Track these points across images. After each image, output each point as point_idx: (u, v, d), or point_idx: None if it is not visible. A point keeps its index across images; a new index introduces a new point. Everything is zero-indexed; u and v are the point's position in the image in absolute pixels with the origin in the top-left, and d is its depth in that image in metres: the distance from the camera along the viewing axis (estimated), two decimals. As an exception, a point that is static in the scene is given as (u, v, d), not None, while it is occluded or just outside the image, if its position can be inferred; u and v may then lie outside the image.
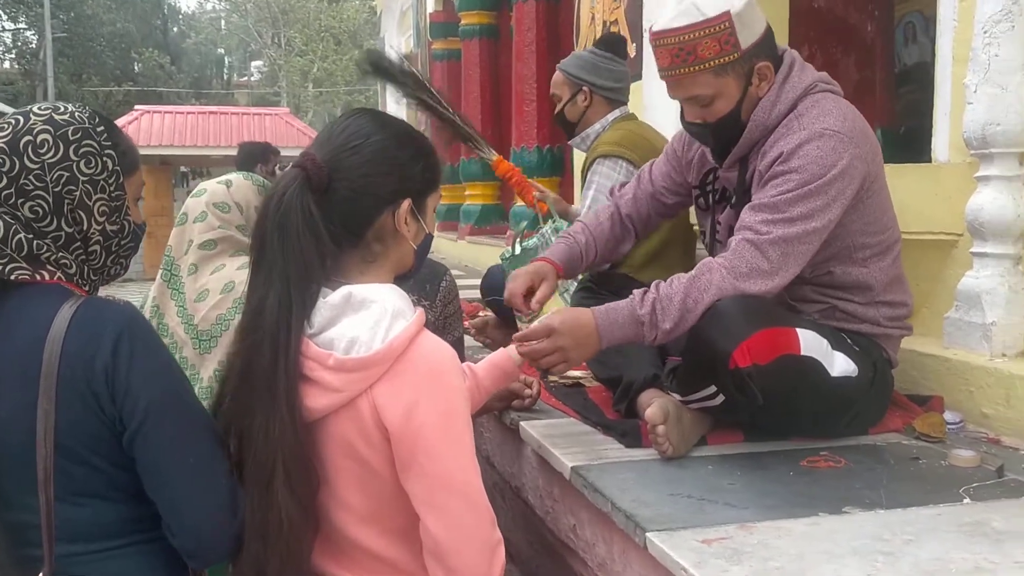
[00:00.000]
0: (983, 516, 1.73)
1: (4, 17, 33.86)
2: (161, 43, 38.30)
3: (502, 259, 3.33)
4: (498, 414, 2.65)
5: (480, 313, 3.84)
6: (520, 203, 6.33)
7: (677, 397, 2.15)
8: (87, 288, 1.49)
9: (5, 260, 1.38)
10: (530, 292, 2.37)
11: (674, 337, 2.08)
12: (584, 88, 3.33)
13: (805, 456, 2.08)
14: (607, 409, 2.46)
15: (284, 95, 35.22)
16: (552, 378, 2.86)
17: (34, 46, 33.59)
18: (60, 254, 1.43)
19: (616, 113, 3.38)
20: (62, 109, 1.47)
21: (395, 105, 12.15)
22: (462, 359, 2.11)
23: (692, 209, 2.68)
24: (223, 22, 42.97)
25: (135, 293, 8.88)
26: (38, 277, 1.41)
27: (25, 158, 1.40)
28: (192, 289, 2.01)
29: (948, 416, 2.34)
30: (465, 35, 8.54)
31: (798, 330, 2.04)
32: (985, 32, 2.36)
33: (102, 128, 1.49)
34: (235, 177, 2.17)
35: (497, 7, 8.43)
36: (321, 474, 1.43)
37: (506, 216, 7.70)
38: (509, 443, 2.66)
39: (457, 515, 1.40)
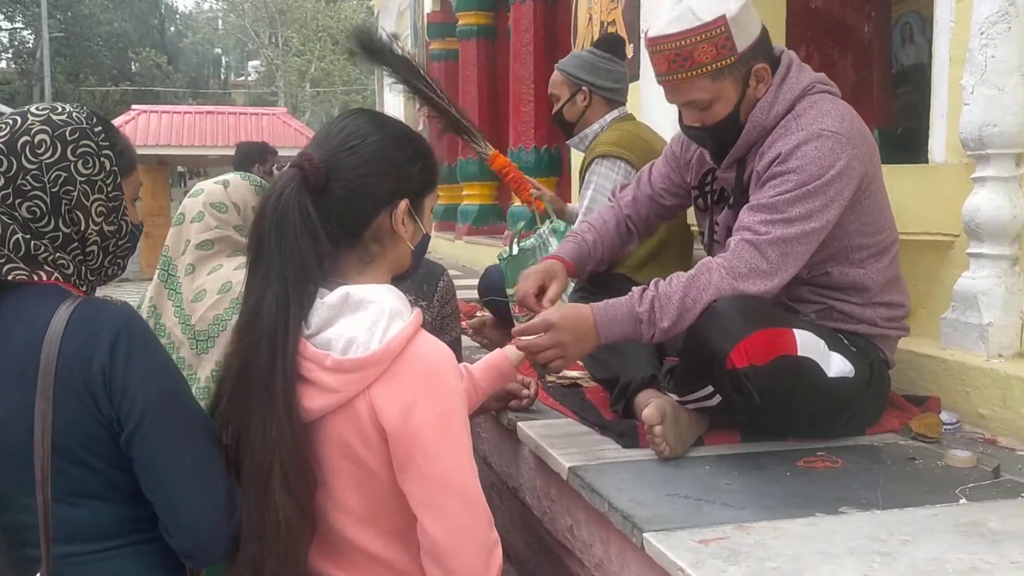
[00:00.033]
0: (979, 516, 1.73)
1: (1, 17, 33.83)
2: (158, 43, 38.27)
3: (499, 259, 3.33)
4: (495, 414, 2.65)
5: (478, 313, 3.84)
6: (518, 203, 6.34)
7: (674, 397, 2.15)
8: (84, 288, 1.49)
9: (2, 260, 1.38)
10: (541, 291, 2.36)
11: (672, 336, 2.09)
12: (583, 88, 3.33)
13: (802, 456, 2.08)
14: (604, 409, 2.46)
15: (281, 95, 35.20)
16: (550, 378, 2.86)
17: (31, 45, 33.55)
18: (58, 254, 1.43)
19: (615, 113, 3.38)
20: (60, 109, 1.47)
21: (393, 106, 12.17)
22: (459, 359, 2.11)
23: (690, 210, 2.68)
24: (220, 22, 42.93)
25: (132, 293, 8.86)
26: (35, 277, 1.41)
27: (23, 158, 1.40)
28: (189, 289, 2.01)
29: (945, 416, 2.34)
30: (463, 35, 8.54)
31: (795, 331, 2.04)
32: (982, 33, 2.37)
33: (100, 128, 1.49)
34: (232, 177, 2.17)
35: (495, 7, 8.44)
36: (318, 475, 1.43)
37: (504, 216, 7.70)
38: (506, 443, 2.66)
39: (454, 515, 1.40)
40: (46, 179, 1.41)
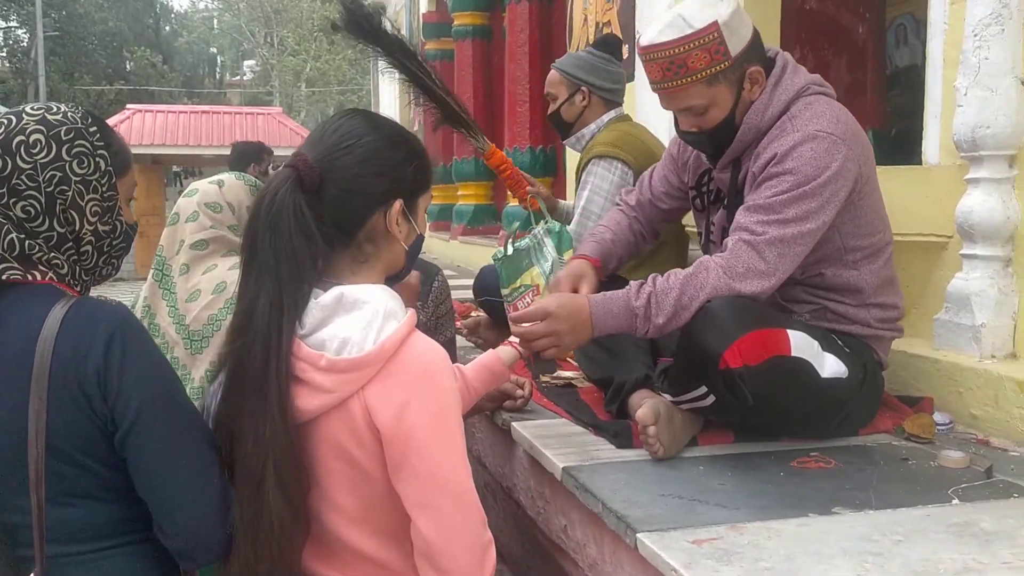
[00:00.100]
0: (972, 517, 1.74)
1: (-4, 16, 33.78)
2: (153, 42, 38.23)
3: (494, 259, 3.33)
4: (490, 414, 2.65)
5: (472, 313, 3.84)
6: (513, 203, 6.34)
7: (668, 398, 2.15)
8: (79, 288, 1.48)
9: (-4, 260, 1.38)
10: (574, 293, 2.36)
11: (666, 332, 2.09)
12: (583, 88, 3.34)
13: (795, 457, 2.09)
14: (599, 410, 2.46)
15: (277, 94, 35.13)
16: (544, 379, 2.86)
17: (25, 44, 33.49)
18: (52, 254, 1.43)
19: (612, 114, 3.39)
20: (55, 109, 1.47)
21: (388, 106, 12.17)
22: (454, 359, 2.11)
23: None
24: (215, 21, 42.87)
25: (126, 292, 8.86)
26: (29, 277, 1.41)
27: (17, 158, 1.40)
28: (183, 289, 2.01)
29: (938, 417, 2.35)
30: (458, 36, 8.54)
31: (789, 331, 2.05)
32: (975, 35, 2.38)
33: (95, 128, 1.49)
34: (227, 177, 2.17)
35: (490, 8, 8.44)
36: (312, 475, 1.43)
37: (499, 216, 7.71)
38: (501, 444, 2.66)
39: (448, 515, 1.40)
40: (41, 179, 1.41)
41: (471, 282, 3.84)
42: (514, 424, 2.45)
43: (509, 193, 4.05)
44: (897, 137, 4.94)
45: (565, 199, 3.93)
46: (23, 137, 1.41)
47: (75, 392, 1.35)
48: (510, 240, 3.24)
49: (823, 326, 2.23)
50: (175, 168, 23.73)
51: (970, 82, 2.39)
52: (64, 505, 1.39)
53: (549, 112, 3.46)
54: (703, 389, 2.03)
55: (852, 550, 1.58)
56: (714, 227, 2.44)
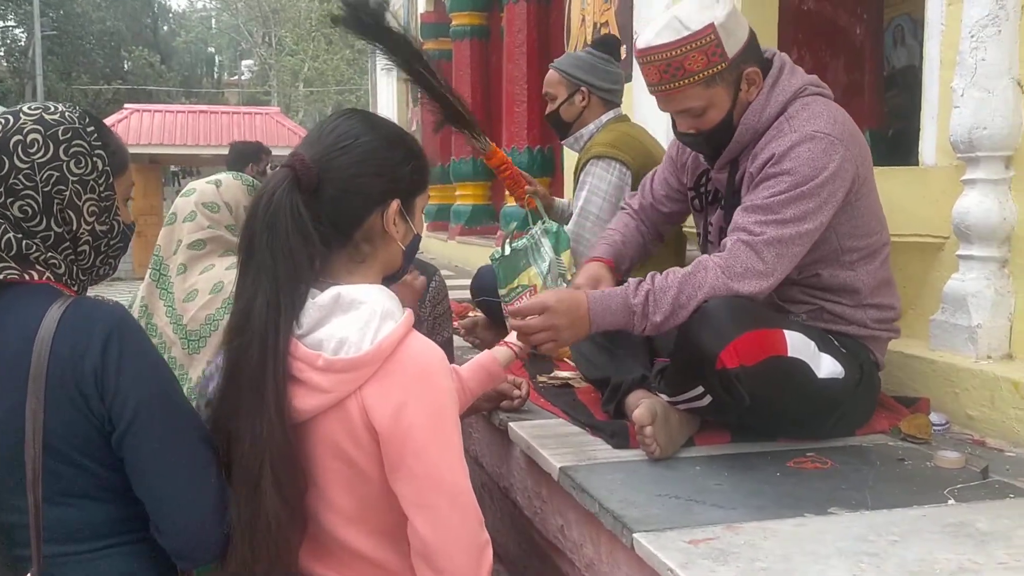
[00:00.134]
0: (968, 517, 1.74)
1: (-7, 15, 33.74)
2: (151, 41, 38.19)
3: (492, 260, 3.33)
4: (487, 414, 2.65)
5: (470, 313, 3.84)
6: (511, 203, 6.34)
7: (665, 398, 2.16)
8: (76, 288, 1.48)
9: (-6, 260, 1.38)
10: None
11: (664, 330, 2.10)
12: (582, 88, 3.34)
13: (792, 457, 2.09)
14: (596, 410, 2.47)
15: (274, 94, 35.11)
16: (541, 379, 2.87)
17: (23, 44, 33.45)
18: (49, 254, 1.43)
19: (610, 114, 3.39)
20: (52, 109, 1.47)
21: (386, 106, 12.16)
22: (451, 360, 2.11)
23: (684, 211, 2.70)
24: (213, 21, 42.80)
25: (124, 292, 8.85)
26: (27, 277, 1.41)
27: (15, 157, 1.40)
28: (181, 289, 2.01)
29: (934, 418, 2.35)
30: (456, 36, 8.54)
31: (785, 332, 2.05)
32: (972, 36, 2.38)
33: (92, 128, 1.49)
34: (224, 177, 2.17)
35: (488, 8, 8.44)
36: (309, 475, 1.43)
37: (496, 217, 7.71)
38: (498, 444, 2.66)
39: (445, 515, 1.40)
40: (38, 178, 1.41)
41: (469, 282, 3.84)
42: (511, 424, 2.45)
43: (507, 193, 4.05)
44: (894, 138, 4.94)
45: (563, 198, 3.93)
46: (20, 137, 1.41)
47: (72, 392, 1.35)
48: (507, 240, 3.24)
49: (820, 326, 2.24)
50: (173, 168, 23.70)
51: (967, 83, 2.39)
52: (61, 505, 1.39)
53: (547, 112, 3.46)
54: (700, 389, 2.03)
55: (848, 550, 1.58)
56: (712, 227, 2.44)
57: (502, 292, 3.23)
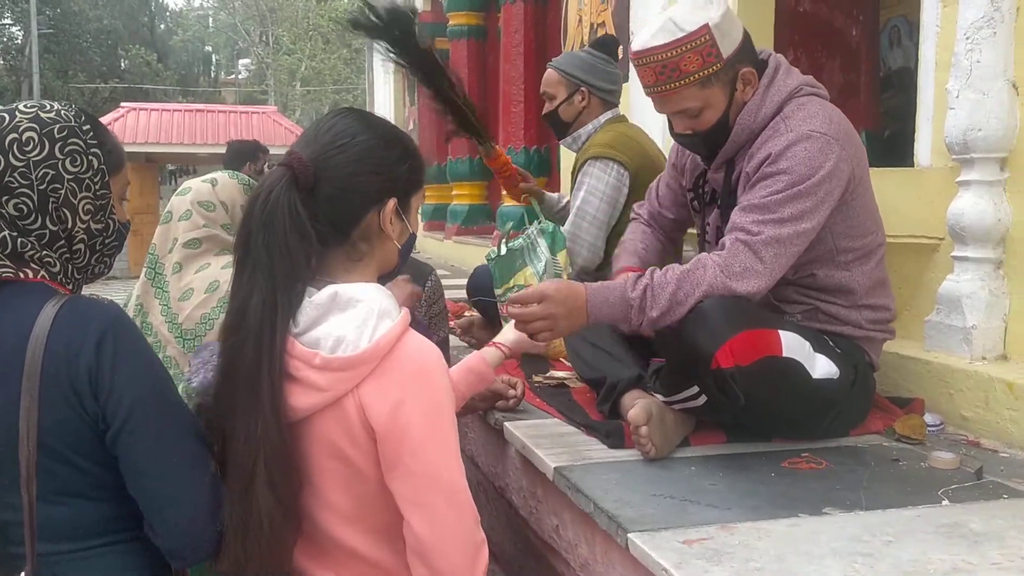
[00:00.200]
0: (962, 518, 1.75)
1: (-10, 13, 33.66)
2: (148, 40, 38.09)
3: (488, 259, 3.34)
4: (482, 414, 2.65)
5: (466, 313, 3.85)
6: (508, 203, 6.35)
7: (660, 398, 2.16)
8: (71, 287, 1.48)
9: (-12, 258, 1.38)
10: None
11: (660, 326, 2.10)
12: (582, 88, 3.34)
13: (787, 457, 2.10)
14: (591, 410, 2.47)
15: (272, 93, 35.07)
16: (536, 379, 2.87)
17: (20, 42, 33.35)
18: (44, 252, 1.43)
19: (608, 114, 3.40)
20: (48, 107, 1.47)
21: (383, 105, 12.15)
22: (447, 359, 2.11)
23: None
24: (211, 19, 42.76)
25: (119, 291, 8.83)
26: (21, 275, 1.41)
27: (10, 155, 1.40)
28: (176, 288, 2.01)
29: (928, 418, 2.36)
30: (453, 35, 8.54)
31: (780, 332, 2.06)
32: (967, 38, 2.39)
33: (88, 127, 1.49)
34: (220, 176, 2.17)
35: (485, 8, 8.44)
36: (304, 474, 1.43)
37: (493, 216, 7.71)
38: (493, 443, 2.66)
39: (442, 514, 1.40)
40: (33, 176, 1.41)
41: (465, 282, 3.85)
42: (506, 424, 2.45)
43: (504, 193, 4.06)
44: (890, 139, 4.95)
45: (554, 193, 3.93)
46: (16, 135, 1.41)
47: (66, 390, 1.35)
48: (504, 240, 3.25)
49: (815, 327, 2.24)
50: (170, 167, 23.67)
51: (962, 85, 2.40)
52: (55, 503, 1.39)
53: (545, 111, 3.46)
54: (695, 389, 2.03)
55: (842, 550, 1.58)
56: (709, 227, 2.45)
57: (498, 292, 3.24)
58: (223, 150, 7.25)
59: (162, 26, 42.71)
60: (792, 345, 2.05)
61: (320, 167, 1.45)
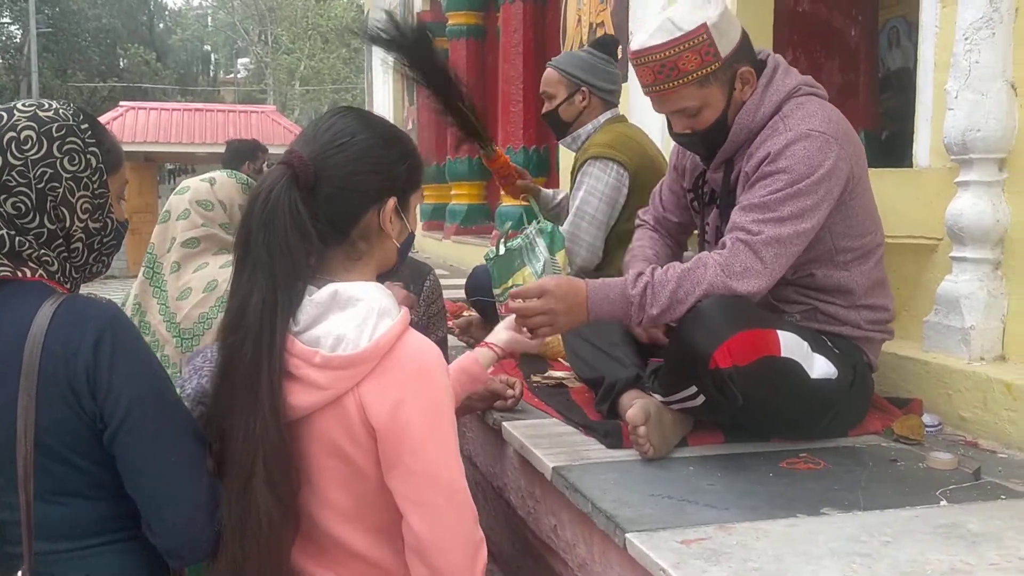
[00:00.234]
0: (960, 518, 1.75)
1: (-12, 12, 33.63)
2: (147, 39, 38.04)
3: (487, 259, 3.34)
4: (481, 414, 2.65)
5: (464, 313, 3.84)
6: (506, 203, 6.34)
7: (658, 398, 2.16)
8: (68, 286, 1.48)
9: (-14, 256, 1.38)
10: None
11: (660, 324, 2.10)
12: (583, 88, 3.34)
13: (785, 458, 2.10)
14: (589, 410, 2.47)
15: (271, 93, 35.08)
16: (535, 378, 2.87)
17: (18, 41, 33.32)
18: (42, 251, 1.43)
19: (608, 114, 3.39)
20: (46, 106, 1.47)
21: (382, 104, 12.15)
22: (446, 359, 2.10)
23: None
24: (209, 19, 42.77)
25: (117, 290, 8.83)
26: (19, 274, 1.41)
27: (8, 154, 1.40)
28: (174, 287, 2.00)
29: (927, 419, 2.36)
30: (452, 35, 8.53)
31: (779, 332, 2.05)
32: (966, 39, 2.39)
33: (86, 126, 1.48)
34: (219, 175, 2.16)
35: (484, 8, 8.43)
36: (303, 473, 1.43)
37: (492, 216, 7.70)
38: (491, 443, 2.66)
39: (441, 512, 1.40)
40: (31, 175, 1.41)
41: (463, 282, 3.85)
42: (505, 424, 2.45)
43: (503, 193, 4.06)
44: (888, 140, 4.95)
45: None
46: (14, 133, 1.41)
47: (64, 389, 1.35)
48: (502, 240, 3.25)
49: (813, 327, 2.24)
50: (168, 166, 23.66)
51: (961, 85, 2.40)
52: (53, 502, 1.39)
53: (545, 111, 3.45)
54: (693, 389, 2.03)
55: (840, 551, 1.58)
56: (708, 227, 2.45)
57: (497, 292, 3.24)
58: (222, 149, 7.24)
59: (161, 25, 42.67)
60: (790, 345, 2.05)
61: (320, 166, 1.45)
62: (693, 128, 2.26)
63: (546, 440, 2.28)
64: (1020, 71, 2.34)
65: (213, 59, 45.77)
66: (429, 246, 9.10)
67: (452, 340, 3.44)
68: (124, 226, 1.57)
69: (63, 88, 31.00)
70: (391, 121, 1.62)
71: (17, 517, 1.36)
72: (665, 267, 2.11)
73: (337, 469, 1.43)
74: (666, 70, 2.15)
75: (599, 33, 5.02)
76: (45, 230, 1.43)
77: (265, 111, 19.64)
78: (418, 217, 9.75)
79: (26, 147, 1.41)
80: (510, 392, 2.53)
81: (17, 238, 1.40)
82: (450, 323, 3.45)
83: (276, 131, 17.57)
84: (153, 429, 1.39)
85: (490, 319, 3.47)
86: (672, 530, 1.67)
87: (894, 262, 2.52)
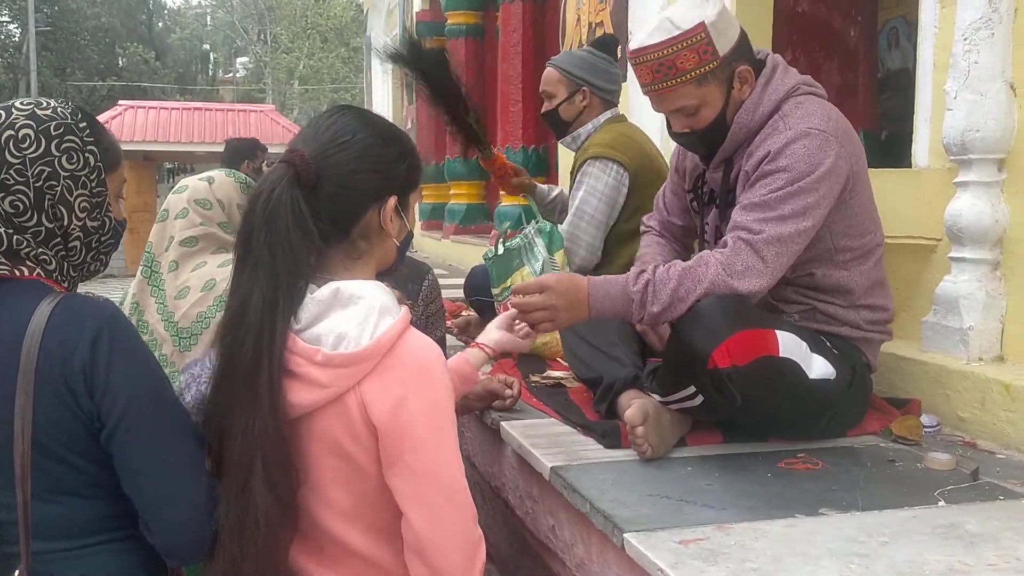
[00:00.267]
0: (958, 519, 1.75)
1: (-13, 11, 33.60)
2: (146, 38, 38.02)
3: (485, 259, 3.34)
4: (479, 414, 2.65)
5: (463, 312, 3.85)
6: (505, 203, 6.34)
7: (657, 398, 2.16)
8: (66, 284, 1.48)
9: (-16, 255, 1.38)
10: None
11: (661, 322, 2.10)
12: (584, 88, 3.33)
13: (783, 458, 2.10)
14: (587, 410, 2.47)
15: (269, 92, 35.07)
16: (533, 378, 2.87)
17: (17, 40, 33.30)
18: (40, 250, 1.43)
19: (608, 114, 3.39)
20: (45, 104, 1.47)
21: (381, 104, 12.15)
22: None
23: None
24: (208, 18, 42.74)
25: (116, 289, 8.82)
26: (17, 273, 1.40)
27: (6, 152, 1.40)
28: (172, 286, 2.00)
29: (925, 419, 2.36)
30: (451, 34, 8.53)
31: (777, 332, 2.05)
32: (965, 39, 2.39)
33: (84, 124, 1.48)
34: (217, 174, 2.16)
35: (483, 7, 8.44)
36: (303, 472, 1.42)
37: (491, 216, 7.70)
38: (490, 443, 2.66)
39: (440, 510, 1.40)
40: (29, 174, 1.41)
41: (462, 281, 3.85)
42: (503, 424, 2.45)
43: (502, 192, 4.06)
44: (888, 140, 4.95)
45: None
46: (12, 132, 1.41)
47: (61, 388, 1.35)
48: (501, 240, 3.25)
49: (812, 327, 2.24)
50: (167, 165, 23.65)
51: (960, 86, 2.40)
52: (50, 502, 1.38)
53: (545, 110, 3.45)
54: (692, 389, 2.03)
55: (838, 551, 1.58)
56: (708, 227, 2.45)
57: (495, 291, 3.24)
58: (221, 148, 7.24)
59: (160, 24, 42.65)
60: (789, 345, 2.05)
61: (321, 165, 1.45)
62: (692, 127, 2.26)
63: (544, 440, 2.28)
64: (1019, 71, 2.35)
65: (212, 58, 45.74)
66: (428, 246, 9.10)
67: (451, 340, 3.44)
68: (122, 225, 1.57)
69: (62, 87, 30.99)
70: (390, 120, 1.62)
71: (14, 516, 1.36)
72: (667, 265, 2.11)
73: (338, 468, 1.43)
74: (664, 69, 2.15)
75: (598, 33, 5.02)
76: (43, 229, 1.43)
77: (264, 110, 19.63)
78: (416, 216, 9.77)
79: (24, 145, 1.41)
80: (508, 392, 2.53)
81: (15, 236, 1.40)
82: (449, 323, 3.45)
83: (275, 130, 17.56)
84: (151, 428, 1.39)
85: (488, 319, 3.44)
86: (670, 530, 1.67)
87: (893, 262, 2.52)
